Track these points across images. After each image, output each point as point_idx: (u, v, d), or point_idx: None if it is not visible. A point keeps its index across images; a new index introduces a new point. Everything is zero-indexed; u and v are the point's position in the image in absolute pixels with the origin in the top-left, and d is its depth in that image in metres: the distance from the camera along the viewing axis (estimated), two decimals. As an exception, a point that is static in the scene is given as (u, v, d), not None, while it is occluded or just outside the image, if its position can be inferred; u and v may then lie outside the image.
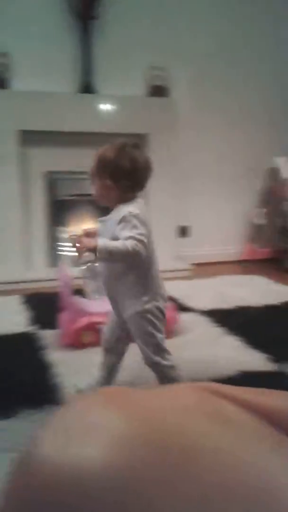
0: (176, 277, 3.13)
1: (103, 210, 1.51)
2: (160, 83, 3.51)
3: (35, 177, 3.36)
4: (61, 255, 3.34)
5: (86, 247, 1.31)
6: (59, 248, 3.43)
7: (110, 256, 1.31)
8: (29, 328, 2.20)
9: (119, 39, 3.40)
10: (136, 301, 1.41)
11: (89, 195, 1.54)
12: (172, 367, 1.46)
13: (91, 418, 0.35)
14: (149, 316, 1.42)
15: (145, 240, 1.32)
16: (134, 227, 1.32)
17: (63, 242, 3.39)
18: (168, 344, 1.48)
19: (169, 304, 1.72)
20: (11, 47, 3.15)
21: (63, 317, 2.04)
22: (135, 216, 1.34)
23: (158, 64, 3.47)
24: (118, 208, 1.39)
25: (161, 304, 1.45)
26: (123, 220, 1.34)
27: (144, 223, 1.35)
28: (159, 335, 1.44)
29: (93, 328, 1.91)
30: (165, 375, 1.46)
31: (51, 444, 0.34)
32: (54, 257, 3.43)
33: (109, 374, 1.58)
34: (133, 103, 3.48)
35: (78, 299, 2.05)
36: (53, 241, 3.44)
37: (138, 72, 3.48)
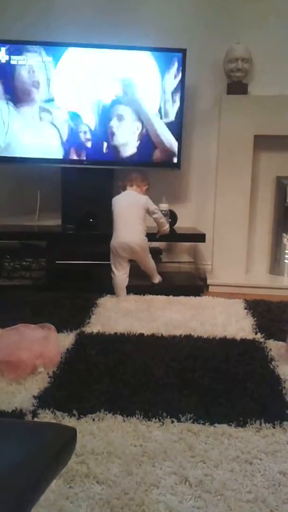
0: None
1: None
2: None
3: (264, 182, 3.33)
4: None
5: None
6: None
7: None
8: (256, 336, 2.18)
9: None
10: None
11: None
12: None
13: None
14: None
15: None
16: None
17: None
18: None
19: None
20: (253, 53, 3.16)
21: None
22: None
23: None
24: None
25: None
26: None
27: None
28: None
29: None
30: None
31: None
32: (275, 264, 3.34)
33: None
34: None
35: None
36: (276, 248, 3.35)
37: None
